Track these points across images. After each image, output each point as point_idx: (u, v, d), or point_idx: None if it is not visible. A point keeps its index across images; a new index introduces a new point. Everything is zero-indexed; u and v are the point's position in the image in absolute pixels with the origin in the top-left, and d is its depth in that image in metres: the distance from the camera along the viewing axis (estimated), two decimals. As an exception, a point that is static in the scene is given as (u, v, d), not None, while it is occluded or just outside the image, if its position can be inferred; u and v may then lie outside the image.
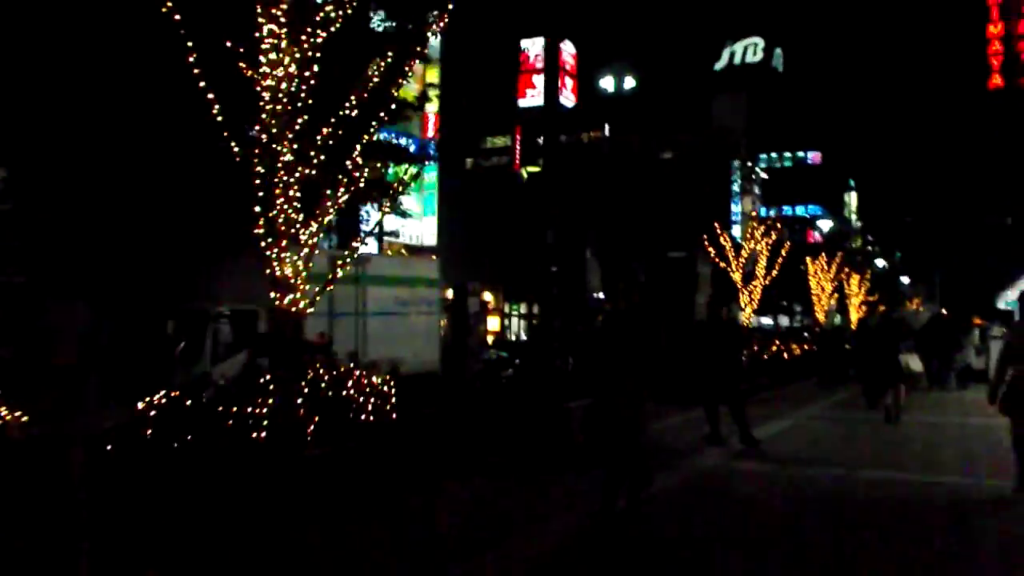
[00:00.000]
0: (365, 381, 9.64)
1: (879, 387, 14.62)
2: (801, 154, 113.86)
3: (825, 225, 66.50)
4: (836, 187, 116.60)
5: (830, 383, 21.06)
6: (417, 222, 37.19)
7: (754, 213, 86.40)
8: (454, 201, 38.36)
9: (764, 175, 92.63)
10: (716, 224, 22.15)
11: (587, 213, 35.11)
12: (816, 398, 18.15)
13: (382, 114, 10.70)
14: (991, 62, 59.32)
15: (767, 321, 68.78)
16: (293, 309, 9.91)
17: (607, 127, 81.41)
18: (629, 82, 24.28)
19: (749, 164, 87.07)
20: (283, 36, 9.55)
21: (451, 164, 38.74)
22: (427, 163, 26.12)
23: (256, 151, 9.69)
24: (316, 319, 16.47)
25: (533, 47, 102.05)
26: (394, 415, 9.87)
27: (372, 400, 9.47)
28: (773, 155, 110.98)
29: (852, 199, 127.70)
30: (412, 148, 37.09)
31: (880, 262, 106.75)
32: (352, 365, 11.28)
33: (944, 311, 30.07)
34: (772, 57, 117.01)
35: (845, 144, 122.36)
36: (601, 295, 33.53)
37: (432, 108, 37.63)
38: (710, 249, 22.15)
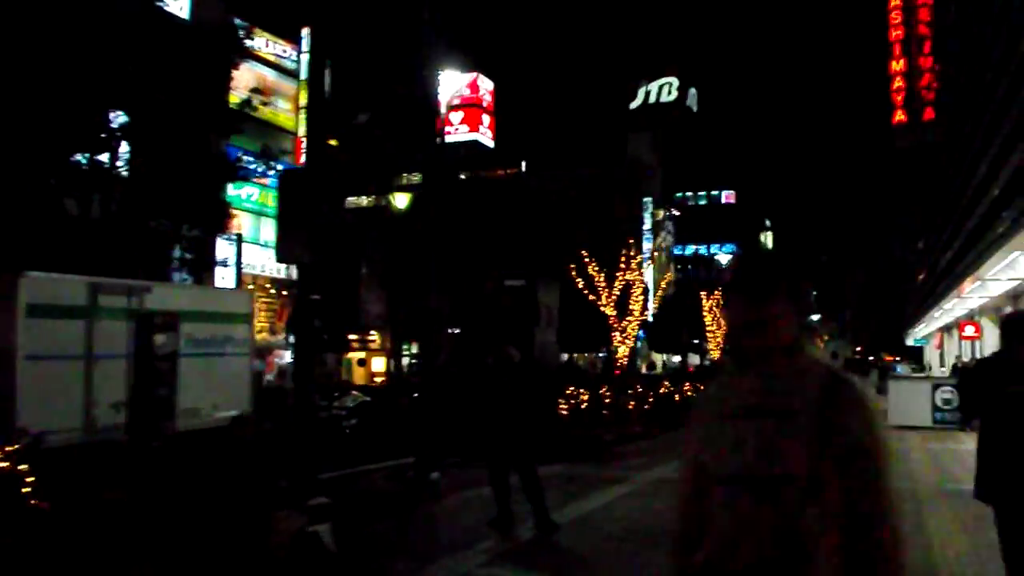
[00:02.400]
0: None
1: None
2: (715, 193, 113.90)
3: (724, 258, 64.64)
4: (751, 226, 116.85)
5: None
6: (286, 255, 33.99)
7: (663, 248, 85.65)
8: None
9: (676, 212, 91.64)
10: (583, 252, 19.57)
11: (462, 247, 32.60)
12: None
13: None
14: (894, 98, 59.38)
15: (677, 359, 67.06)
16: None
17: (523, 164, 79.47)
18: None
19: (661, 202, 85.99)
20: None
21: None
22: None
23: None
24: (69, 361, 13.44)
25: (450, 84, 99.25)
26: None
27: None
28: (688, 193, 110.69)
29: (767, 239, 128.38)
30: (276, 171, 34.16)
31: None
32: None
33: (836, 351, 28.11)
34: (687, 97, 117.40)
35: (759, 184, 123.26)
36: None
37: (304, 132, 34.81)
38: (578, 280, 19.57)
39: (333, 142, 45.91)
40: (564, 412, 17.14)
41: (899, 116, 56.21)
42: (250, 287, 31.06)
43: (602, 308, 19.75)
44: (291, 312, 8.62)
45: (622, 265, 19.75)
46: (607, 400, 19.70)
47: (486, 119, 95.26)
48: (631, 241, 20.19)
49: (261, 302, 30.72)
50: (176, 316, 12.53)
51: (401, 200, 27.70)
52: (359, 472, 12.31)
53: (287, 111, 34.34)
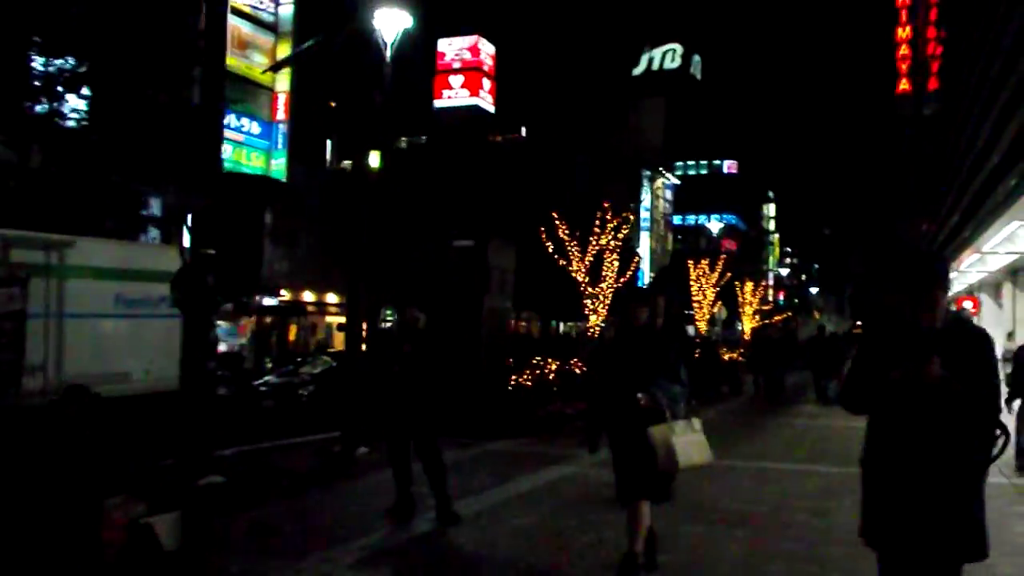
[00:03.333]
0: None
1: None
2: (717, 162, 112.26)
3: (715, 227, 63.54)
4: (753, 197, 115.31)
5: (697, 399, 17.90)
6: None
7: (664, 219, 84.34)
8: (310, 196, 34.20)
9: (676, 181, 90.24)
10: (554, 213, 18.48)
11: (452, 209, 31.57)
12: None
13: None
14: (899, 67, 57.80)
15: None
16: None
17: (523, 130, 78.31)
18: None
19: (661, 170, 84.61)
20: None
21: (308, 154, 34.55)
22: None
23: None
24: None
25: (451, 47, 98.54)
26: None
27: None
28: (689, 163, 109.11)
29: (770, 210, 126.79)
30: (259, 131, 33.00)
31: (783, 271, 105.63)
32: None
33: (822, 324, 27.13)
34: (690, 64, 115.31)
35: (762, 154, 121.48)
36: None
37: (283, 88, 33.59)
38: (548, 243, 18.50)
39: (331, 104, 44.74)
40: (527, 384, 16.17)
41: (903, 85, 54.71)
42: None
43: (573, 274, 18.68)
44: (179, 269, 7.61)
45: (596, 228, 18.65)
46: (578, 372, 18.74)
47: (487, 83, 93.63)
48: (606, 205, 19.03)
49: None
50: (25, 270, 11.38)
51: (372, 159, 26.46)
52: (282, 446, 11.36)
53: (263, 65, 33.04)
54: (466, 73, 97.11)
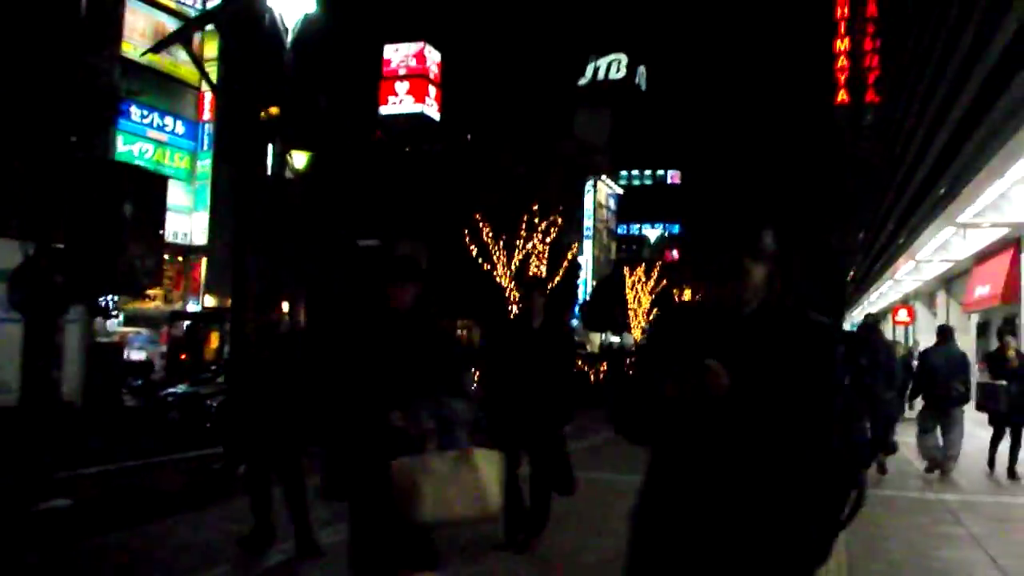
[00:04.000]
0: None
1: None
2: (661, 173, 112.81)
3: (653, 235, 63.52)
4: (695, 207, 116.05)
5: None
6: (186, 217, 31.67)
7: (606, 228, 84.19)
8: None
9: (619, 190, 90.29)
10: (476, 215, 17.75)
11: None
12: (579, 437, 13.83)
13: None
14: (838, 77, 58.32)
15: (615, 339, 65.74)
16: None
17: (469, 136, 77.63)
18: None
19: (604, 178, 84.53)
20: None
21: (234, 154, 33.30)
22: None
23: None
24: None
25: (396, 54, 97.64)
26: None
27: None
28: (634, 172, 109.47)
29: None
30: (183, 131, 31.74)
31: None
32: None
33: None
34: (636, 75, 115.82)
35: (705, 165, 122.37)
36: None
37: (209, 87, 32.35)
38: (471, 246, 17.75)
39: (274, 110, 43.49)
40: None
41: (841, 96, 55.19)
42: (140, 251, 28.79)
43: (496, 278, 17.94)
44: (19, 265, 6.77)
45: (523, 232, 17.94)
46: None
47: (432, 91, 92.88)
48: (535, 208, 18.34)
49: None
50: None
51: (299, 159, 25.50)
52: (161, 463, 10.39)
53: (188, 62, 31.83)
54: (412, 80, 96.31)
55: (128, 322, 27.94)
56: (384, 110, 74.91)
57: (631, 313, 28.78)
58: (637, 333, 28.64)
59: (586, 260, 76.93)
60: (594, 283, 71.79)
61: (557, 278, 18.56)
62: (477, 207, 18.14)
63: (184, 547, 6.48)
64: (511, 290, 18.03)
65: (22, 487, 7.18)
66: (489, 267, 17.79)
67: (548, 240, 18.16)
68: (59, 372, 7.59)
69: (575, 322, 69.23)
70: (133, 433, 13.78)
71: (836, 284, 49.11)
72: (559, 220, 18.47)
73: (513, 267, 17.88)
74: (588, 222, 79.49)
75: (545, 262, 18.24)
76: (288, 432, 6.22)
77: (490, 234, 17.61)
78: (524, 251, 17.84)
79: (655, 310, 30.54)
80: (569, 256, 19.16)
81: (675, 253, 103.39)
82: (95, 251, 7.30)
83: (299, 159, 25.97)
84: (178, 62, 31.09)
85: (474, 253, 17.77)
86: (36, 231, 7.23)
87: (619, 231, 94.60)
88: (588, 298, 66.29)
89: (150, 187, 9.21)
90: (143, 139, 29.46)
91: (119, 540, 6.68)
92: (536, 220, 18.17)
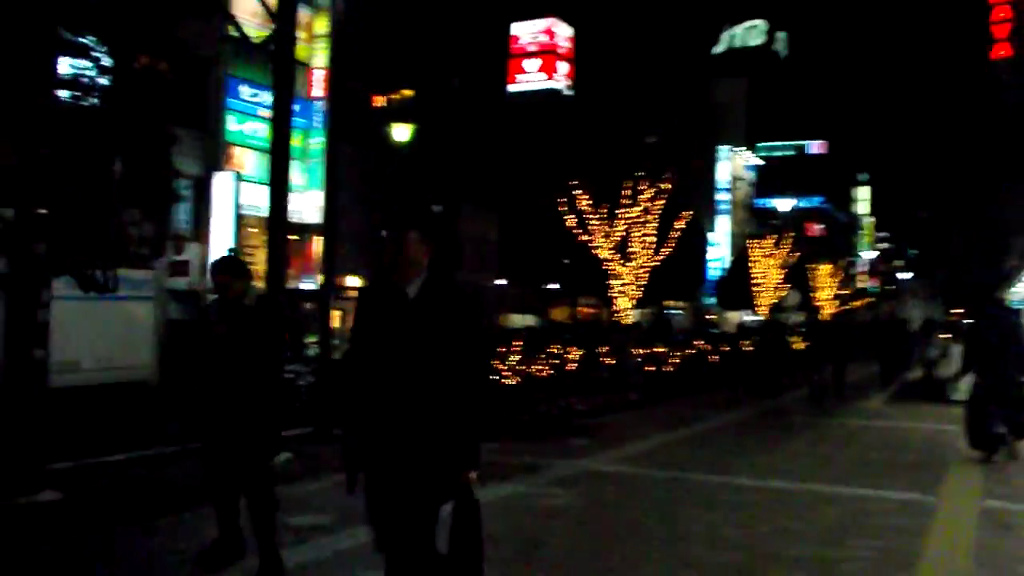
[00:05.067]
0: None
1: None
2: (803, 143, 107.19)
3: (784, 204, 59.71)
4: (842, 179, 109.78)
5: (752, 394, 15.62)
6: (298, 195, 31.46)
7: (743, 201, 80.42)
8: (350, 173, 32.56)
9: (758, 162, 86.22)
10: (575, 181, 16.27)
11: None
12: (660, 430, 12.27)
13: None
14: (992, 31, 53.02)
15: (749, 318, 62.59)
16: None
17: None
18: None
19: (742, 150, 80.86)
20: None
21: (346, 129, 32.88)
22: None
23: None
24: None
25: (524, 31, 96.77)
26: None
27: None
28: (774, 144, 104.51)
29: (862, 193, 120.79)
30: (296, 109, 31.54)
31: (868, 254, 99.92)
32: None
33: (895, 311, 24.06)
34: (774, 41, 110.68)
35: (853, 133, 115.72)
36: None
37: (320, 63, 32.05)
38: (568, 216, 16.30)
39: (408, 92, 43.32)
40: (540, 373, 14.12)
41: (1000, 51, 50.13)
42: (251, 230, 28.78)
43: (595, 251, 16.45)
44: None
45: (626, 200, 16.36)
46: (604, 361, 16.60)
47: (563, 66, 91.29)
48: (640, 173, 16.71)
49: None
50: None
51: (401, 133, 24.69)
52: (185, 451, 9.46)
53: (299, 40, 31.59)
54: (542, 56, 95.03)
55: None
56: (513, 88, 73.99)
57: (756, 289, 26.65)
58: (763, 311, 26.49)
59: (722, 236, 73.87)
60: (730, 259, 68.77)
61: (666, 250, 16.86)
62: (576, 174, 16.67)
63: (156, 555, 5.47)
64: (611, 263, 16.55)
65: (6, 479, 6.37)
66: (587, 238, 16.30)
67: (656, 206, 16.48)
68: (44, 352, 6.74)
69: (711, 300, 66.60)
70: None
71: (998, 256, 44.87)
72: (667, 185, 16.72)
73: (615, 238, 16.33)
74: (723, 196, 76.31)
75: (655, 232, 16.60)
76: (251, 426, 5.05)
77: (589, 202, 16.10)
78: (625, 220, 16.23)
79: (789, 287, 28.30)
80: (681, 224, 17.33)
81: (818, 227, 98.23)
82: (80, 216, 6.43)
83: (401, 132, 25.26)
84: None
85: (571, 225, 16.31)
86: (15, 194, 6.38)
87: (756, 204, 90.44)
88: (723, 275, 63.58)
89: (150, 141, 8.33)
90: (254, 118, 29.32)
91: (94, 541, 5.75)
92: (643, 186, 16.52)
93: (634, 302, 16.79)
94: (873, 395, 17.40)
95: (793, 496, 7.51)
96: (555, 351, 15.37)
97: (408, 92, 41.52)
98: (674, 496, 7.35)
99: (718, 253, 71.43)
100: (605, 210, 16.38)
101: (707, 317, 60.50)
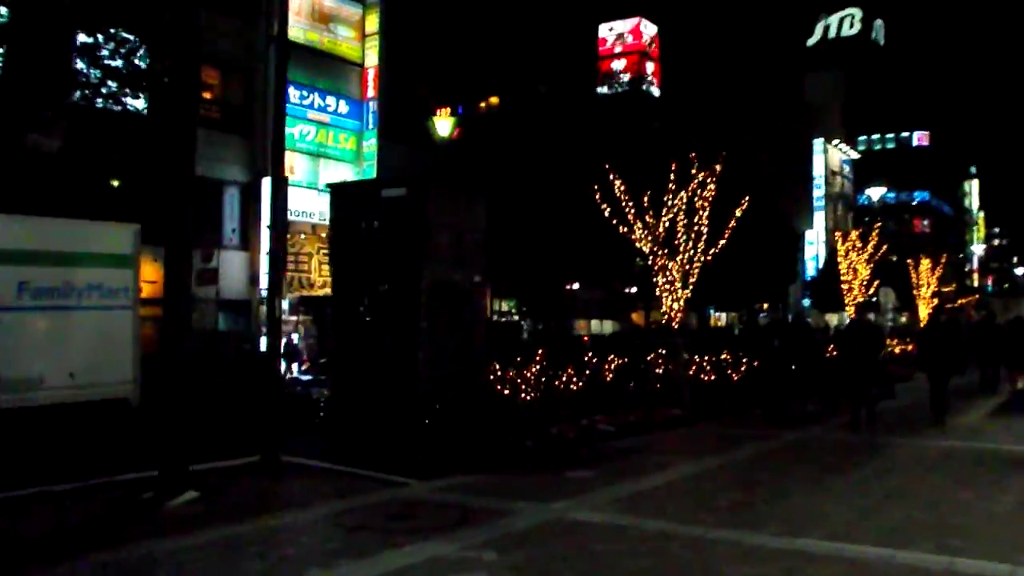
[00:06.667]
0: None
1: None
2: (906, 135, 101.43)
3: (875, 193, 55.48)
4: (949, 172, 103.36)
5: (775, 419, 13.16)
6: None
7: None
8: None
9: (855, 155, 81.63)
10: (607, 165, 14.20)
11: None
12: (691, 456, 10.10)
13: None
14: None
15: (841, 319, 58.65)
16: None
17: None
18: None
19: (837, 143, 76.59)
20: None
21: (399, 134, 31.53)
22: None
23: None
24: None
25: (611, 32, 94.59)
26: None
27: None
28: (873, 136, 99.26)
29: (972, 186, 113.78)
30: (347, 110, 30.33)
31: (979, 248, 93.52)
32: None
33: (994, 312, 21.01)
34: (872, 29, 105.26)
35: (959, 124, 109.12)
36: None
37: (372, 62, 30.79)
38: (602, 203, 14.25)
39: (494, 100, 42.06)
40: (565, 387, 12.15)
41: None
42: (302, 236, 27.62)
43: (637, 243, 14.32)
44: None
45: (671, 186, 14.23)
46: (656, 371, 14.47)
47: (650, 66, 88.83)
48: (692, 157, 14.55)
49: (322, 254, 27.18)
50: None
51: (443, 127, 23.12)
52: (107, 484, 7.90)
53: (349, 39, 30.31)
54: (628, 56, 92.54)
55: (293, 310, 26.80)
56: (601, 90, 71.98)
57: (844, 286, 23.97)
58: (850, 309, 23.78)
59: (817, 232, 69.96)
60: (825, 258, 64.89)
61: (722, 241, 14.62)
62: (609, 160, 14.65)
63: None
64: (655, 255, 14.42)
65: None
66: (627, 230, 14.20)
67: (706, 194, 14.28)
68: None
69: (806, 302, 62.91)
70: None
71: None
72: (718, 168, 14.49)
73: (663, 229, 14.19)
74: (818, 192, 72.32)
75: (707, 223, 14.40)
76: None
77: (623, 188, 14.00)
78: (671, 209, 14.08)
79: (875, 283, 25.42)
80: (739, 213, 15.03)
81: (923, 223, 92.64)
82: None
83: (443, 126, 23.65)
84: (338, 39, 29.67)
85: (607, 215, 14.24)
86: None
87: (860, 202, 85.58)
88: (816, 275, 60.08)
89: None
90: (304, 121, 28.17)
91: None
92: (694, 171, 14.35)
93: (682, 302, 14.61)
94: (971, 407, 14.75)
95: (830, 565, 5.36)
96: (591, 361, 13.37)
97: (494, 100, 40.13)
98: (654, 567, 5.30)
99: (814, 252, 67.67)
100: (647, 199, 14.28)
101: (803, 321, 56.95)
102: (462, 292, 8.95)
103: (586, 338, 28.35)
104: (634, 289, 41.42)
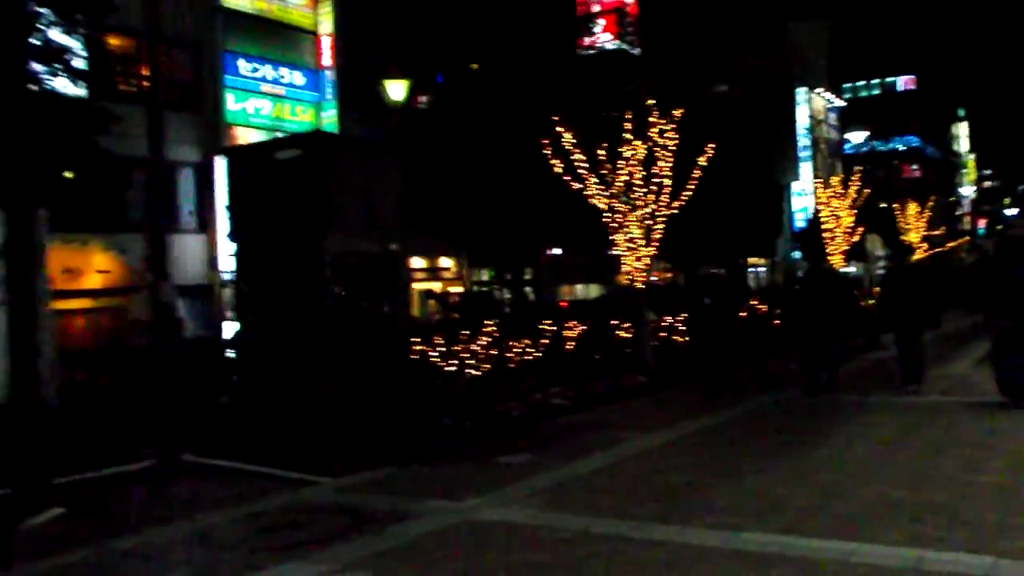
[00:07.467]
0: None
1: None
2: (890, 80, 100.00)
3: (856, 137, 54.33)
4: (937, 116, 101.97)
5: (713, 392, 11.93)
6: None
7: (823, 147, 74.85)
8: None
9: (840, 102, 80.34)
10: (555, 118, 13.17)
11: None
12: (645, 430, 9.19)
13: None
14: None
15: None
16: None
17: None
18: None
19: (821, 91, 75.23)
20: None
21: (360, 103, 30.23)
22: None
23: None
24: None
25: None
26: None
27: None
28: (858, 83, 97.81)
29: (961, 129, 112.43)
30: (303, 82, 29.11)
31: (966, 190, 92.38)
32: None
33: (987, 250, 20.01)
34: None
35: (946, 66, 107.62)
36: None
37: (327, 30, 29.53)
38: (549, 154, 13.23)
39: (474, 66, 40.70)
40: (517, 359, 11.25)
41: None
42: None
43: (591, 201, 13.33)
44: None
45: (627, 135, 13.20)
46: (620, 336, 13.56)
47: (629, 24, 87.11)
48: (651, 102, 13.50)
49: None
50: None
51: (396, 90, 21.95)
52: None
53: (301, 6, 29.02)
54: (607, 16, 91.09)
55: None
56: (580, 50, 70.43)
57: (826, 234, 22.96)
58: (838, 259, 22.80)
59: (804, 184, 68.85)
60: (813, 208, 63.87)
61: (687, 194, 13.62)
62: (559, 111, 13.61)
63: None
64: (611, 212, 13.43)
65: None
66: (580, 186, 13.18)
67: (666, 142, 13.25)
68: None
69: (796, 254, 61.95)
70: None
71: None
72: (677, 114, 13.44)
73: (620, 183, 13.18)
74: (803, 141, 71.09)
75: (670, 174, 13.39)
76: None
77: (574, 140, 12.97)
78: (627, 161, 13.04)
79: (859, 229, 24.36)
80: (702, 161, 13.96)
81: (915, 168, 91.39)
82: None
83: (396, 90, 22.50)
84: (288, 6, 28.35)
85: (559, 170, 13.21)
86: None
87: (846, 150, 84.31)
88: (805, 226, 59.12)
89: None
90: (256, 95, 26.96)
91: None
92: (654, 117, 13.31)
93: (646, 260, 13.66)
94: (963, 353, 13.83)
95: (775, 567, 4.43)
96: (548, 329, 12.43)
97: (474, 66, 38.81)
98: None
99: (803, 203, 66.65)
100: (603, 150, 13.27)
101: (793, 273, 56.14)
102: (376, 263, 7.97)
103: (564, 303, 27.38)
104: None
